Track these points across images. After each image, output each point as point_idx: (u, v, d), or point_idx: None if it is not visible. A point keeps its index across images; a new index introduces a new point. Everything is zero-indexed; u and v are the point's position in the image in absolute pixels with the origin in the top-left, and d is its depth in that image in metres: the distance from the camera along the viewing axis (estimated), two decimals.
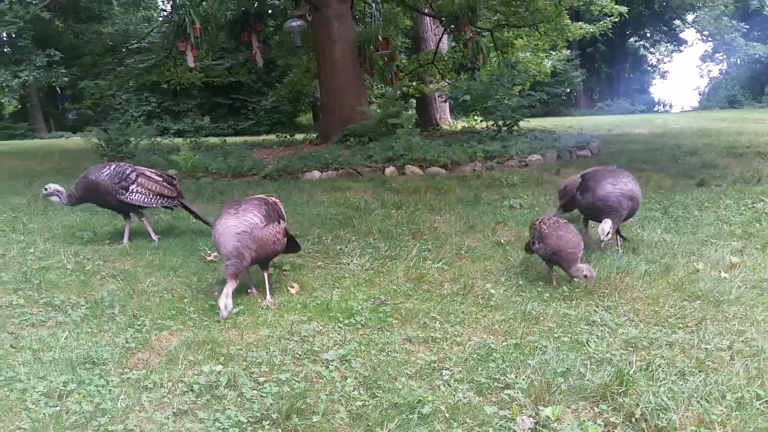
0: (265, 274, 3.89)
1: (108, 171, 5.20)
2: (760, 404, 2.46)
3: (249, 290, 3.94)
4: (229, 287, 3.41)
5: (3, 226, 5.77)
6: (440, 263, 4.49)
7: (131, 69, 16.81)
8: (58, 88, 31.68)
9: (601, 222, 4.35)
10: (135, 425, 2.37)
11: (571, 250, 3.78)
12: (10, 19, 10.21)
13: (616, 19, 17.80)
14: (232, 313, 3.46)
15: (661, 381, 2.65)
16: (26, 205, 7.00)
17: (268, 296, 3.78)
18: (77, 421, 2.39)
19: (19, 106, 32.84)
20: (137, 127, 13.17)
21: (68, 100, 34.31)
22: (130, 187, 5.17)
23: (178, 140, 15.84)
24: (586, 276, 3.71)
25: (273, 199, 4.14)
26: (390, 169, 8.96)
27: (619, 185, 4.45)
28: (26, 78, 12.48)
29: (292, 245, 4.27)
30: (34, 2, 10.86)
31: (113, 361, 2.91)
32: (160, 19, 23.80)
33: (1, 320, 3.42)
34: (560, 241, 3.82)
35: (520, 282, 4.03)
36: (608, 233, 4.21)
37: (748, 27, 29.92)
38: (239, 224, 3.64)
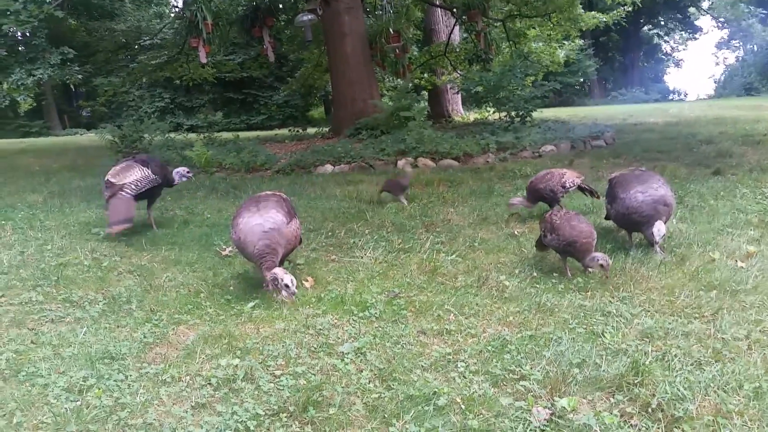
0: None
1: None
2: None
3: (264, 285, 3.96)
4: (277, 269, 3.44)
5: (21, 223, 5.85)
6: (454, 255, 4.48)
7: (144, 65, 16.92)
8: (72, 86, 31.98)
9: (646, 228, 4.13)
10: (154, 419, 2.40)
11: (585, 240, 3.76)
12: (24, 18, 10.31)
13: (630, 8, 17.60)
14: (248, 308, 3.50)
15: (677, 371, 2.63)
16: (43, 203, 7.09)
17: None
18: (98, 416, 2.42)
19: (34, 104, 33.23)
20: (151, 123, 13.27)
21: (82, 97, 34.68)
22: None
23: (192, 136, 15.96)
24: (602, 266, 3.70)
25: (284, 196, 4.16)
26: (402, 162, 8.97)
27: (649, 192, 4.17)
28: (41, 76, 12.57)
29: None
30: (47, 1, 10.95)
31: (132, 356, 2.95)
32: (172, 15, 23.90)
33: (20, 317, 3.47)
34: (574, 231, 3.79)
35: (534, 274, 4.02)
36: (664, 234, 4.05)
37: (765, 12, 29.44)
38: (265, 222, 3.62)
